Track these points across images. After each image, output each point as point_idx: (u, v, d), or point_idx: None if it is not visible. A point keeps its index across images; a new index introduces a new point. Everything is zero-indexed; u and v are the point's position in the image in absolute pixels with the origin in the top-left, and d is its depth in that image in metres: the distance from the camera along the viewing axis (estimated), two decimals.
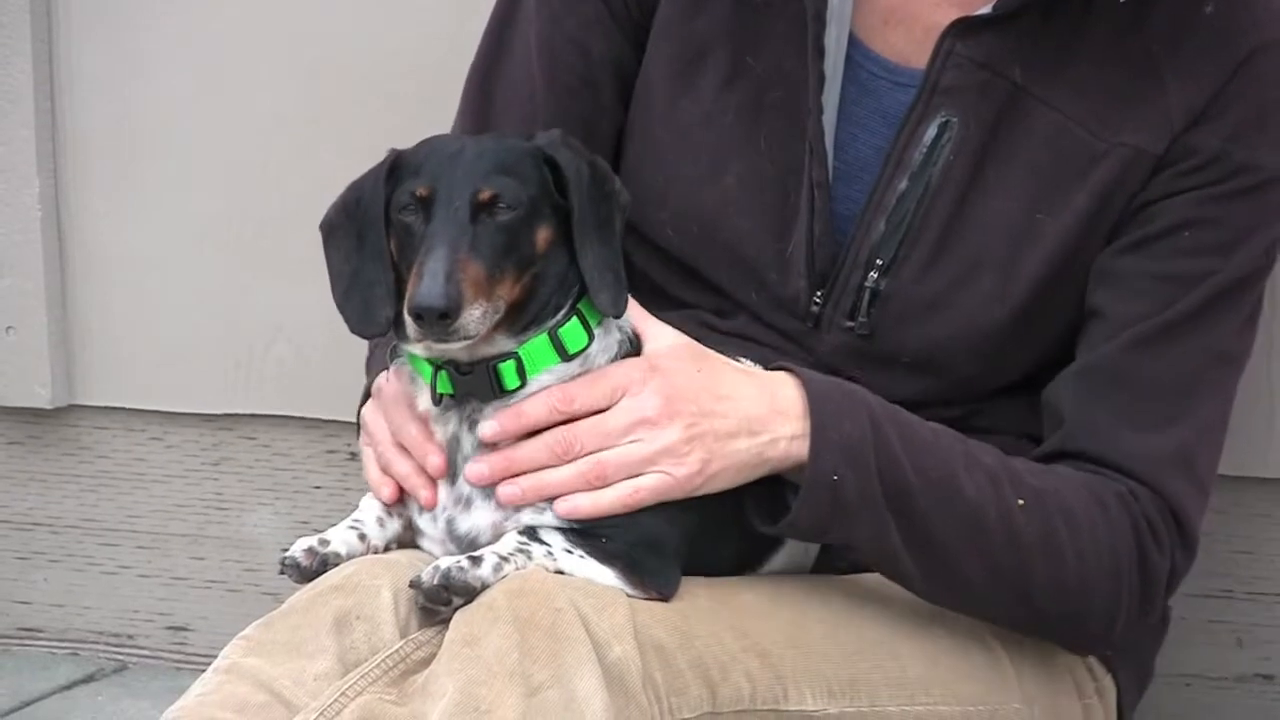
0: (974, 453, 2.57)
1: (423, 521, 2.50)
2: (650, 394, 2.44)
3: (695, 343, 2.52)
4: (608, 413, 2.44)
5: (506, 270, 2.38)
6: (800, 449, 2.46)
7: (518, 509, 2.43)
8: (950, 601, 2.60)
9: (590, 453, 2.43)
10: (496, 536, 2.43)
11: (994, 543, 2.53)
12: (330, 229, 2.50)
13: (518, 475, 2.43)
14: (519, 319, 2.42)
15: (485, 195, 2.38)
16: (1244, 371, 2.72)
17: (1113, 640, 2.69)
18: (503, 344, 2.43)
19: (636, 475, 2.43)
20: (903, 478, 2.48)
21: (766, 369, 2.54)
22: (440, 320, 2.31)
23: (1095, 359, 2.65)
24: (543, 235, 2.42)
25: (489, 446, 2.44)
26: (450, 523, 2.47)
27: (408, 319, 2.34)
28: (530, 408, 2.43)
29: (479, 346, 2.42)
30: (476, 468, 2.43)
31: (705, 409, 2.45)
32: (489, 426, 2.43)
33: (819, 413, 2.47)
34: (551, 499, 2.42)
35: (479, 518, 2.45)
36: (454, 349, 2.40)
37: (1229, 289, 2.65)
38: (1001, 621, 2.63)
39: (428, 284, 2.32)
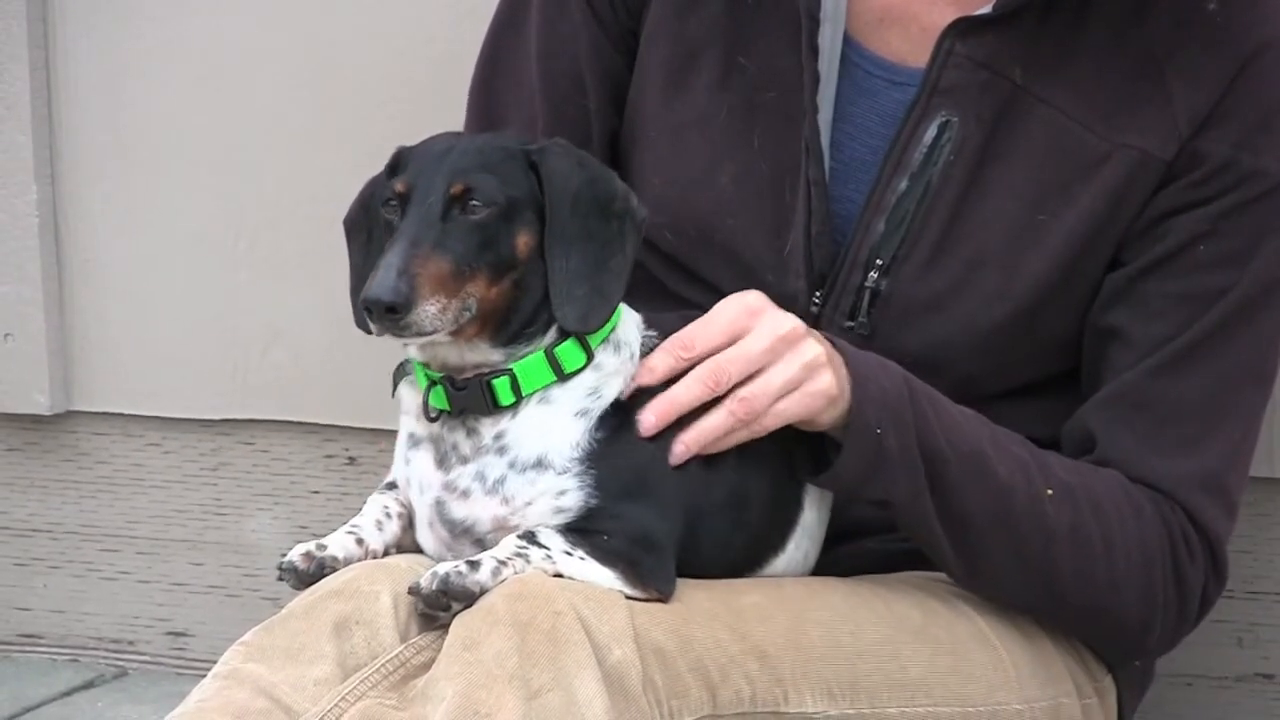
0: (1001, 438, 2.58)
1: (413, 494, 2.50)
2: (779, 314, 2.46)
3: None
4: (746, 338, 2.45)
5: (478, 269, 2.36)
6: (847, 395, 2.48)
7: (527, 502, 2.41)
8: (980, 584, 2.61)
9: (739, 380, 2.44)
10: (497, 528, 2.43)
11: (1021, 527, 2.55)
12: (351, 225, 2.52)
13: (678, 416, 2.43)
14: (503, 328, 2.41)
15: (456, 189, 2.37)
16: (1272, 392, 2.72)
17: (1149, 645, 2.70)
18: (488, 353, 2.42)
19: (782, 398, 2.44)
20: (937, 445, 2.50)
21: None
22: (388, 314, 2.30)
23: (1119, 385, 2.65)
24: (523, 239, 2.40)
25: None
26: (440, 505, 2.46)
27: (364, 314, 2.34)
28: (656, 361, 2.45)
29: (465, 354, 2.41)
30: (646, 418, 2.43)
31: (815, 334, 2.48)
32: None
33: (855, 365, 2.49)
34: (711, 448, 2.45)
35: (477, 508, 2.44)
36: (419, 343, 2.39)
37: (1247, 304, 2.64)
38: (1035, 612, 2.64)
39: (381, 277, 2.31)
